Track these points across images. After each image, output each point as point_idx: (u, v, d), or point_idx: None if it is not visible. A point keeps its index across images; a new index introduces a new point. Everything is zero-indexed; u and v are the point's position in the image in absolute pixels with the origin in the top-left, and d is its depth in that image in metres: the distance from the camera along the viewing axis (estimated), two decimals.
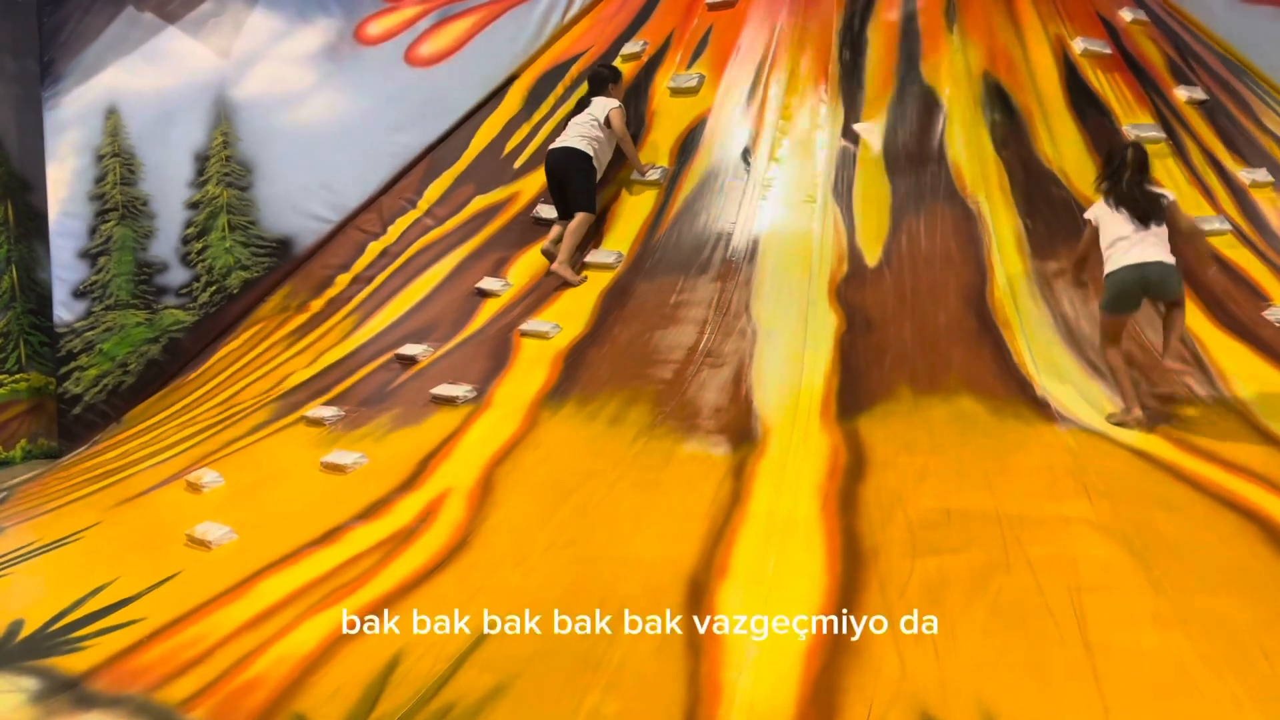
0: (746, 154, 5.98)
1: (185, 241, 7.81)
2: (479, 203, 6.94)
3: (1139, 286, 4.26)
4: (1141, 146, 4.52)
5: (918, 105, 5.82)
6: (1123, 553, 3.38)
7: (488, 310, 5.90)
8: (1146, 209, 4.28)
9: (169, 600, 3.70)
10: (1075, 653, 2.94)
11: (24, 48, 8.00)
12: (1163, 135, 5.71)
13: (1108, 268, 4.33)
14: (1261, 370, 4.56)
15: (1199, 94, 6.12)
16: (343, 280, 7.22)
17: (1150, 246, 4.23)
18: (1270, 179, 5.76)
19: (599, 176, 6.04)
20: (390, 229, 7.32)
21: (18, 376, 8.14)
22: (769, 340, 5.00)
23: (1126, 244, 4.26)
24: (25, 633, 3.65)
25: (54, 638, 3.59)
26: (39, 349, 8.18)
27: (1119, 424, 4.24)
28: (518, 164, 6.97)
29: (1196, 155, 5.76)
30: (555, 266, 5.82)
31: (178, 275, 7.81)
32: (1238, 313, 4.94)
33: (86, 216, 7.84)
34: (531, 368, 5.17)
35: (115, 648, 3.44)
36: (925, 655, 2.96)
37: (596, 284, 5.73)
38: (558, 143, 6.09)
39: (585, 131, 6.00)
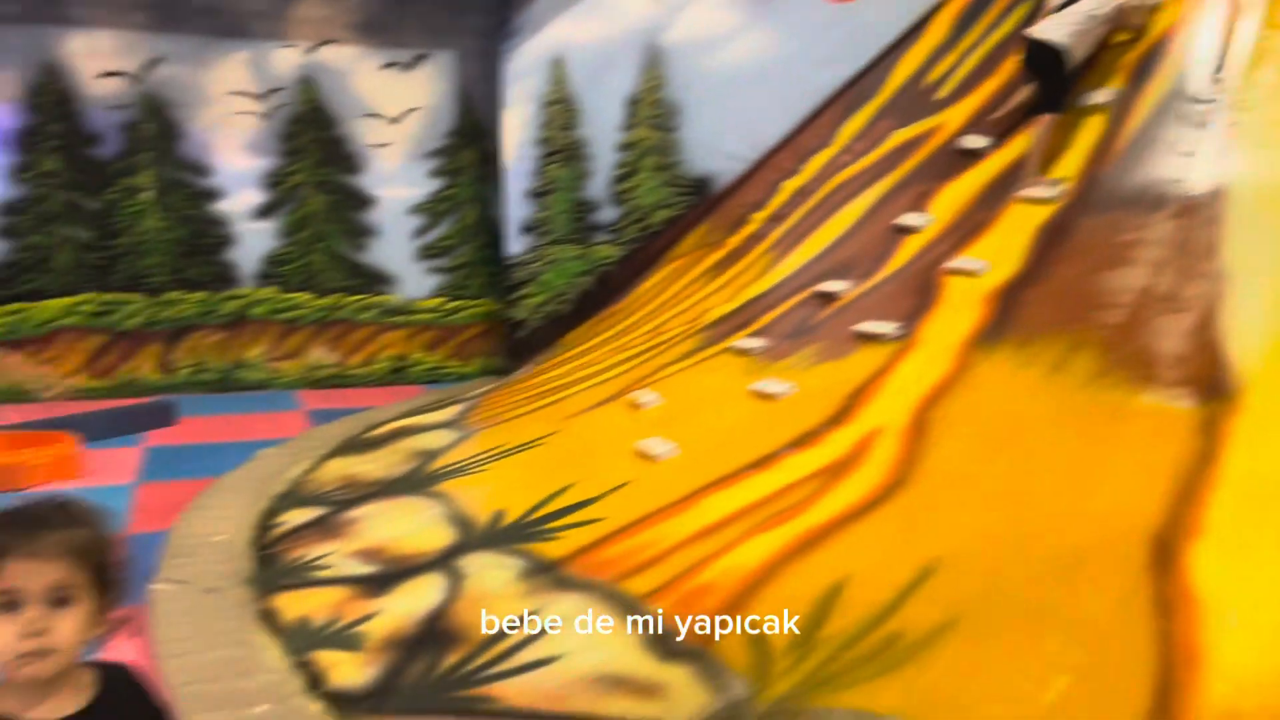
0: (1217, 73, 5.27)
1: (616, 181, 8.44)
2: (898, 137, 6.77)
3: None
4: None
5: None
6: None
7: (909, 247, 5.75)
8: None
9: (623, 505, 4.08)
10: None
11: (487, 4, 8.96)
12: None
13: None
14: None
15: None
16: (758, 218, 7.41)
17: None
18: None
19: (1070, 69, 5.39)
20: (804, 167, 7.38)
21: (476, 302, 9.30)
22: (1245, 284, 4.42)
23: None
24: (507, 521, 4.21)
25: (530, 527, 4.09)
26: (491, 278, 9.26)
27: None
28: (941, 94, 6.70)
29: None
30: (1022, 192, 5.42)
31: (608, 213, 8.48)
32: None
33: (533, 159, 8.70)
34: (960, 307, 4.97)
35: (582, 541, 3.87)
36: None
37: (1031, 219, 5.38)
38: (1034, 31, 5.45)
39: (1071, 20, 5.33)
